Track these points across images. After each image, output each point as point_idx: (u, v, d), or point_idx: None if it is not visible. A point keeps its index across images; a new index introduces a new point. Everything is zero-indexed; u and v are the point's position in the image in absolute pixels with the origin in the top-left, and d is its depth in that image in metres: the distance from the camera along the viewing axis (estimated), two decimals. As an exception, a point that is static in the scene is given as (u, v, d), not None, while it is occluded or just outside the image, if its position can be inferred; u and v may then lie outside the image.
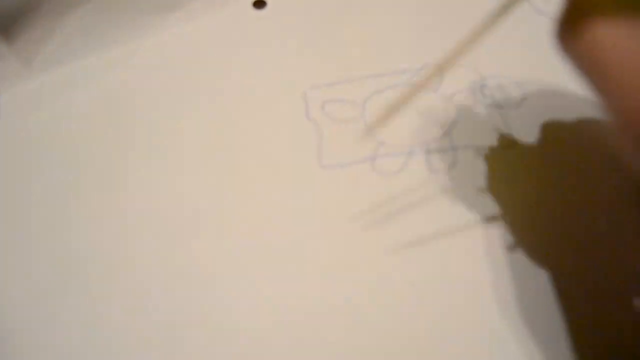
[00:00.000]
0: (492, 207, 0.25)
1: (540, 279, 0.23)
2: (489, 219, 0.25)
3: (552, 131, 0.27)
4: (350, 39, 0.30)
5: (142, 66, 0.30)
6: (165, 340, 0.22)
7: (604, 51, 0.15)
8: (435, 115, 0.28)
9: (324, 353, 0.22)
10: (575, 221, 0.24)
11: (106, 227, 0.25)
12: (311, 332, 0.22)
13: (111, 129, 0.28)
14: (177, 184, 0.26)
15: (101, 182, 0.27)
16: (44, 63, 0.30)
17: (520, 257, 0.24)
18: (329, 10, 0.31)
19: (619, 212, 0.24)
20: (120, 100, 0.29)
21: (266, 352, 0.22)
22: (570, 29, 0.16)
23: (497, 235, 0.24)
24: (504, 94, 0.28)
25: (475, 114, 0.28)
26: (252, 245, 0.24)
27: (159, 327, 0.22)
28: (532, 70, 0.28)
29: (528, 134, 0.27)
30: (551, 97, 0.28)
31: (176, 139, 0.28)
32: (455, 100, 0.28)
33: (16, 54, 0.29)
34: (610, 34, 0.15)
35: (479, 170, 0.26)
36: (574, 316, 0.22)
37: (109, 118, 0.29)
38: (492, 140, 0.27)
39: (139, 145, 0.28)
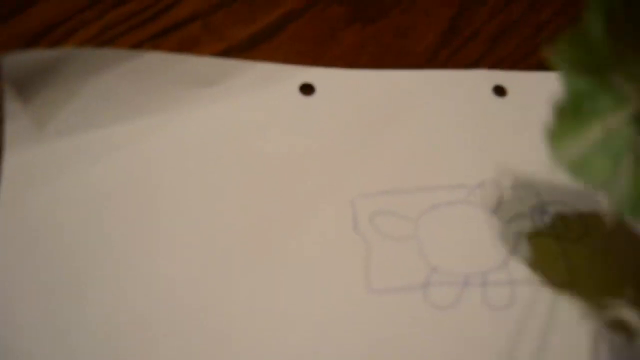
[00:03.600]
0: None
1: None
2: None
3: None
4: (402, 144, 0.28)
5: (168, 143, 0.27)
6: None
7: None
8: (493, 240, 0.26)
9: None
10: None
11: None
12: None
13: (129, 211, 0.25)
14: (202, 288, 0.24)
15: (116, 276, 0.24)
16: (60, 128, 0.26)
17: None
18: (383, 107, 0.28)
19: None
20: (140, 179, 0.26)
21: None
22: None
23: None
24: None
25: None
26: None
27: None
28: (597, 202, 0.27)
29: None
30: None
31: (202, 235, 0.25)
32: (513, 225, 0.26)
33: (30, 114, 0.26)
34: None
35: (539, 311, 0.24)
36: None
37: (126, 198, 0.26)
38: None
39: (160, 233, 0.25)
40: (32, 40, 0.30)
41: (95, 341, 0.22)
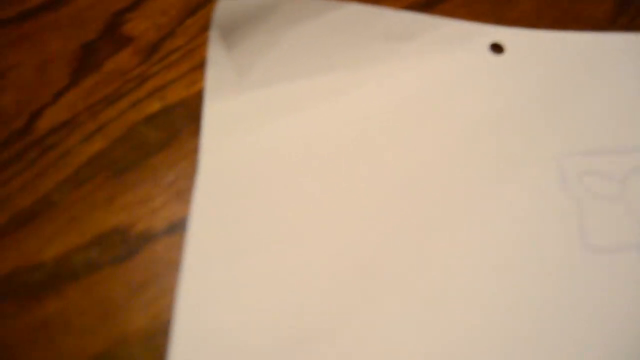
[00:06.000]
0: None
1: None
2: None
3: None
4: (596, 104, 0.27)
5: (364, 96, 0.26)
6: None
7: None
8: None
9: None
10: None
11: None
12: None
13: (325, 164, 0.25)
14: (401, 244, 0.23)
15: (313, 230, 0.23)
16: (259, 77, 0.26)
17: None
18: (572, 68, 0.28)
19: None
20: (335, 132, 0.26)
21: None
22: None
23: None
24: None
25: None
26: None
27: None
28: None
29: None
30: None
31: (400, 190, 0.24)
32: None
33: (233, 62, 0.26)
34: None
35: None
36: None
37: (323, 151, 0.25)
38: None
39: (356, 188, 0.25)
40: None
41: (287, 294, 0.22)
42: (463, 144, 0.26)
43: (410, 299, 0.22)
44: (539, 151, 0.26)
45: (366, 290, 0.22)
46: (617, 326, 0.22)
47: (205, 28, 0.28)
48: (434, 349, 0.21)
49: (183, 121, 0.26)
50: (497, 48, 0.28)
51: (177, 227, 0.24)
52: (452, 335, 0.21)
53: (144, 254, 0.23)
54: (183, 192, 0.25)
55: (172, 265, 0.23)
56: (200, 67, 0.28)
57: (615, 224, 0.24)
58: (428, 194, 0.25)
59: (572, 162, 0.26)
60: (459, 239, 0.24)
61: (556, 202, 0.25)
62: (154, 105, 0.27)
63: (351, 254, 0.23)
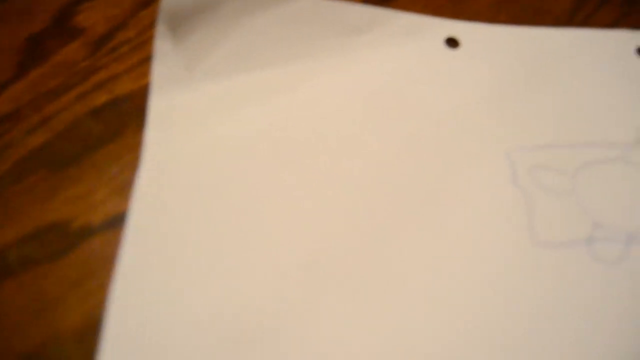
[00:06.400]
0: None
1: None
2: None
3: None
4: (550, 100, 0.27)
5: (316, 91, 0.26)
6: None
7: None
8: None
9: None
10: None
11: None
12: None
13: (277, 157, 0.24)
14: (360, 238, 0.23)
15: (263, 224, 0.23)
16: (209, 71, 0.26)
17: None
18: (528, 63, 0.28)
19: None
20: (288, 124, 0.25)
21: None
22: None
23: None
24: None
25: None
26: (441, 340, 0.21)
27: None
28: None
29: None
30: None
31: (353, 186, 0.24)
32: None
33: (181, 55, 0.25)
34: None
35: None
36: None
37: (275, 143, 0.25)
38: None
39: (309, 181, 0.24)
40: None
41: (253, 284, 0.21)
42: (416, 138, 0.25)
43: (358, 298, 0.22)
44: (492, 146, 0.26)
45: (313, 289, 0.22)
46: (565, 320, 0.22)
47: (158, 20, 0.28)
48: (383, 348, 0.21)
49: (130, 114, 0.26)
50: (452, 42, 0.28)
51: (117, 222, 0.23)
52: (403, 335, 0.21)
53: (82, 249, 0.23)
54: (125, 187, 0.24)
55: (110, 261, 0.22)
56: (150, 60, 0.27)
57: (565, 218, 0.24)
58: (378, 189, 0.24)
59: (524, 157, 0.25)
60: (412, 236, 0.23)
61: (507, 197, 0.24)
62: (101, 98, 0.26)
63: (298, 253, 0.22)
